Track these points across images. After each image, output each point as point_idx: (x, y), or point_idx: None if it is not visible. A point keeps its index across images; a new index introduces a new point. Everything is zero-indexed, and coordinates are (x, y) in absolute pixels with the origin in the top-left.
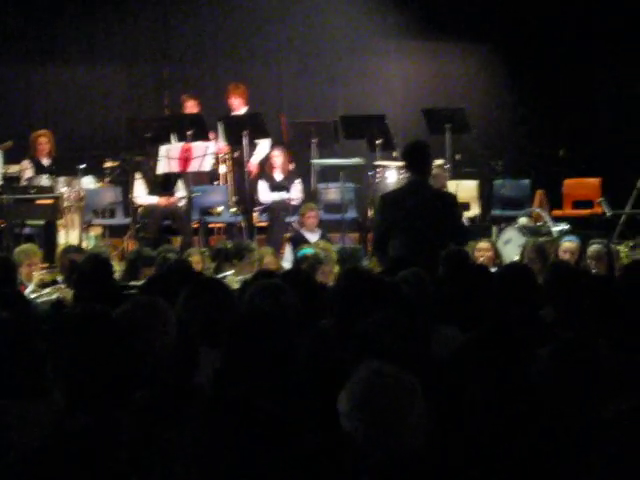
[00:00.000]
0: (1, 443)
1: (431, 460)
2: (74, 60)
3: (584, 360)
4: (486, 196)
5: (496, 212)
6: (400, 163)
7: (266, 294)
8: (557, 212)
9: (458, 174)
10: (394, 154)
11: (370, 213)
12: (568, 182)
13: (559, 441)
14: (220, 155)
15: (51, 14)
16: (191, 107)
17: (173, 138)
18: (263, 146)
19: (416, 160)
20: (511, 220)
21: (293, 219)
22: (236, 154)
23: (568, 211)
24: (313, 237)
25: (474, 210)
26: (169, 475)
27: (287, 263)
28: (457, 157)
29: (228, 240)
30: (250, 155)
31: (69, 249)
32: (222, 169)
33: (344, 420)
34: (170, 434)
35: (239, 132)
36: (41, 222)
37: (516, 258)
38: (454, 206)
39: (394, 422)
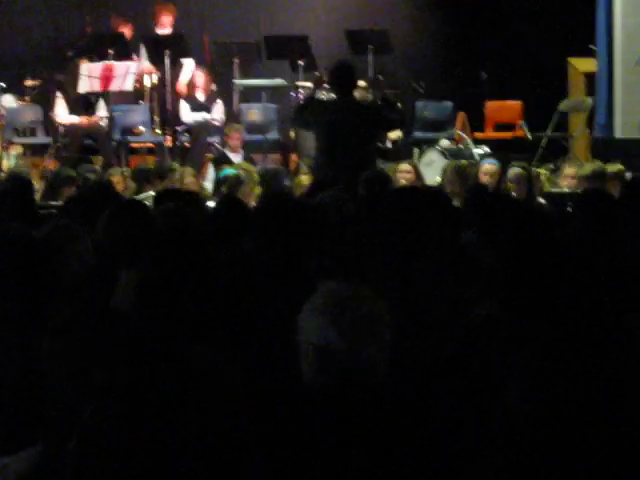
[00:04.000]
0: None
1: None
2: None
3: None
4: (408, 118)
5: (418, 134)
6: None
7: (170, 215)
8: (478, 134)
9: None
10: (316, 75)
11: (292, 134)
12: (490, 104)
13: None
14: (144, 75)
15: None
16: (122, 29)
17: (95, 58)
18: (187, 66)
19: (341, 79)
20: (432, 142)
21: (215, 139)
22: (159, 74)
23: (489, 134)
24: (236, 158)
25: (396, 132)
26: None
27: (209, 183)
28: (379, 78)
29: (150, 160)
30: (175, 75)
31: None
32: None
33: (311, 332)
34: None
35: (161, 52)
36: None
37: (437, 180)
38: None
39: (367, 334)
